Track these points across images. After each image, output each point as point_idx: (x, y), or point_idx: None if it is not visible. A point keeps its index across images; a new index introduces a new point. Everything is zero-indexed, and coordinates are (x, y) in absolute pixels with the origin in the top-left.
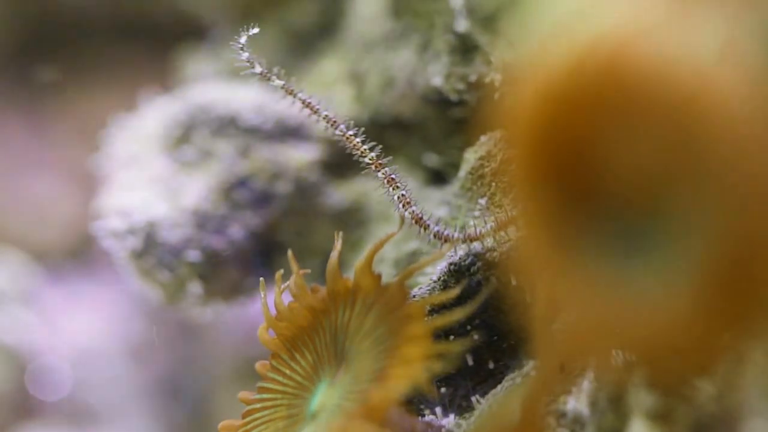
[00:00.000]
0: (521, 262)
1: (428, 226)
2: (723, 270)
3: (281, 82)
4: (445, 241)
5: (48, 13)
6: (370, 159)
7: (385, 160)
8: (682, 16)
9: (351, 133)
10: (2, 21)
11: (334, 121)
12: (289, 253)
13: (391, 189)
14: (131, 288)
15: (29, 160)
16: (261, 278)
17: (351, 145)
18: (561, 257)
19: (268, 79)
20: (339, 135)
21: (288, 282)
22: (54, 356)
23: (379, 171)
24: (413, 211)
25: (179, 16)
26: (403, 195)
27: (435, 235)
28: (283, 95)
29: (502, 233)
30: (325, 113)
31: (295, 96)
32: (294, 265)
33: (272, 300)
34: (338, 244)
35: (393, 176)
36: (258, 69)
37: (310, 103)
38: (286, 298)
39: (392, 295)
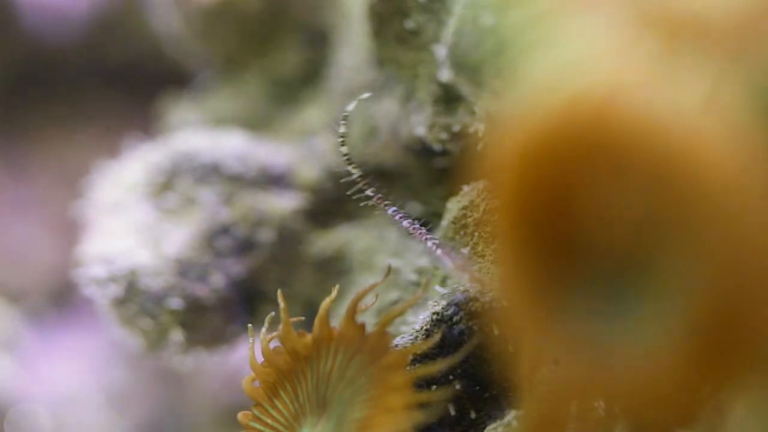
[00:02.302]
0: (504, 312)
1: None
2: (706, 323)
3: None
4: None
5: (31, 58)
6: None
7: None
8: (668, 70)
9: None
10: None
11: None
12: (279, 292)
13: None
14: (112, 335)
15: (10, 205)
16: (249, 325)
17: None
18: (544, 308)
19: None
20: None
21: (276, 333)
22: (34, 403)
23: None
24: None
25: (163, 63)
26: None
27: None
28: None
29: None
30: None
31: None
32: (282, 302)
33: (257, 346)
34: (333, 294)
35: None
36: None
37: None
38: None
39: (374, 344)
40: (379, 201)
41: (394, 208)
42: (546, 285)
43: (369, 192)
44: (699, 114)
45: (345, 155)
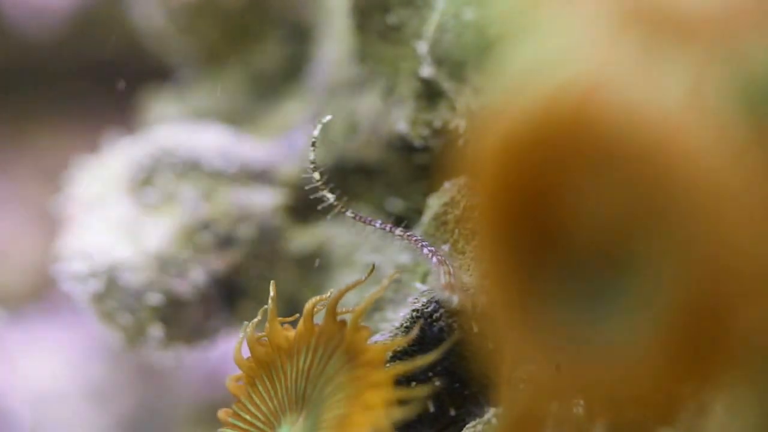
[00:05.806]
0: (484, 309)
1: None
2: (686, 321)
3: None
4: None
5: (11, 52)
6: (428, 251)
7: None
8: (649, 65)
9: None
10: None
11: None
12: (272, 283)
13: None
14: (92, 330)
15: None
16: (245, 321)
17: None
18: (524, 305)
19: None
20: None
21: (263, 333)
22: (13, 398)
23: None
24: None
25: (143, 57)
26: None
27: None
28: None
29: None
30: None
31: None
32: (273, 291)
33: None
34: (326, 295)
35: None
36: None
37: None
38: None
39: (353, 341)
40: (342, 209)
41: (370, 219)
42: (526, 282)
43: (332, 200)
44: (681, 108)
45: (313, 163)
